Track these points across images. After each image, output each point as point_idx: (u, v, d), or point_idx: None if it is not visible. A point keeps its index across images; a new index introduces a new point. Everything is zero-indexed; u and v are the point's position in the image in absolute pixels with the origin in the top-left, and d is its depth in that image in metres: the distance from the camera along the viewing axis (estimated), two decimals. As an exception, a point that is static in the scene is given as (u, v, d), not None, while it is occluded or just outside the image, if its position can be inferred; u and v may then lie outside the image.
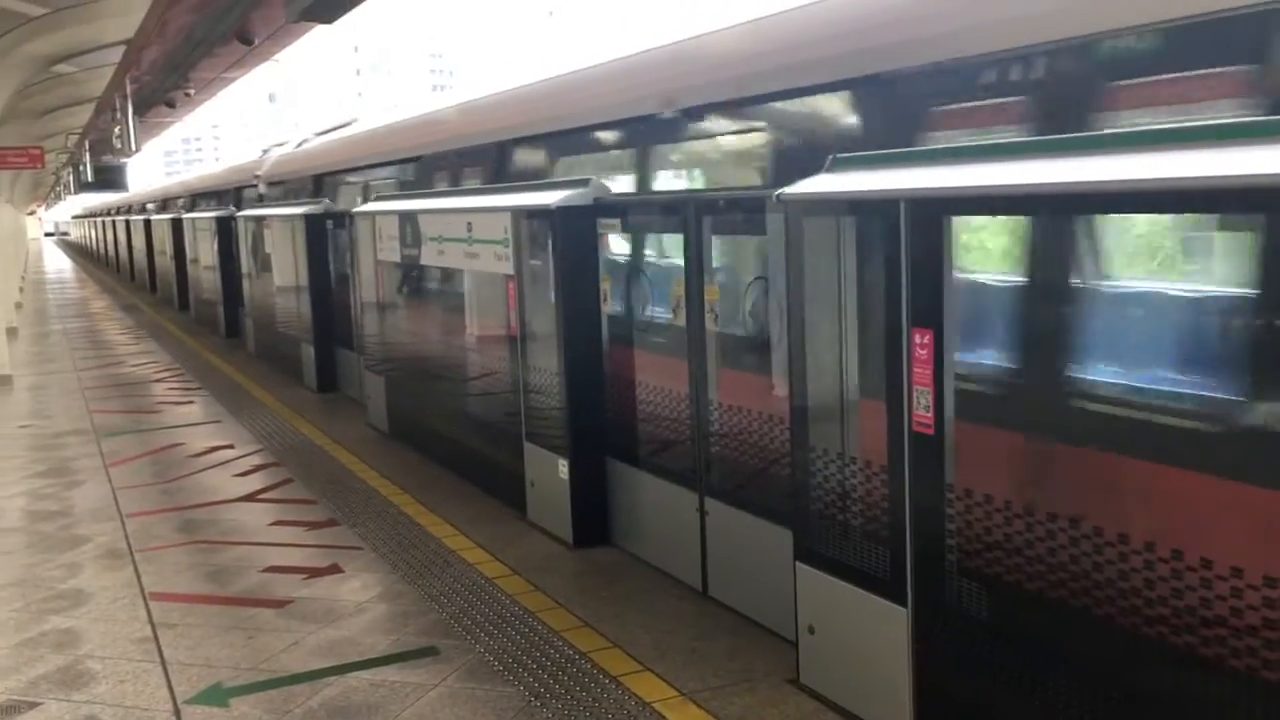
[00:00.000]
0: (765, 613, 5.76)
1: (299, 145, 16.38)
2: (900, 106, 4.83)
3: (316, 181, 14.48)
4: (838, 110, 5.33)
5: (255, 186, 17.73)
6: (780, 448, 5.54)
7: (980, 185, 3.87)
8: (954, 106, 4.56)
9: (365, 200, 11.97)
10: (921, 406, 4.19)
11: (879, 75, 4.85)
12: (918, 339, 4.18)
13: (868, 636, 4.62)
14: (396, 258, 10.35)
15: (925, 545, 4.28)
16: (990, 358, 4.37)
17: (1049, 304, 4.07)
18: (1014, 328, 4.36)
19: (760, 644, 5.61)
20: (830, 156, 4.80)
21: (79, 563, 7.39)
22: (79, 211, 49.95)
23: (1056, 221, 3.96)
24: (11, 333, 19.95)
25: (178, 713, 5.09)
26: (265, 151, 18.64)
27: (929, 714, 4.37)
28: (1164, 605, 3.50)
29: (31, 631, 6.20)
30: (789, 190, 4.79)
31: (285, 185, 16.19)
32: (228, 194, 20.61)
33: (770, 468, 5.73)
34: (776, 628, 5.62)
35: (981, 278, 4.35)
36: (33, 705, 5.26)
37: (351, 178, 13.29)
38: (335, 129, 14.97)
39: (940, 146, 4.43)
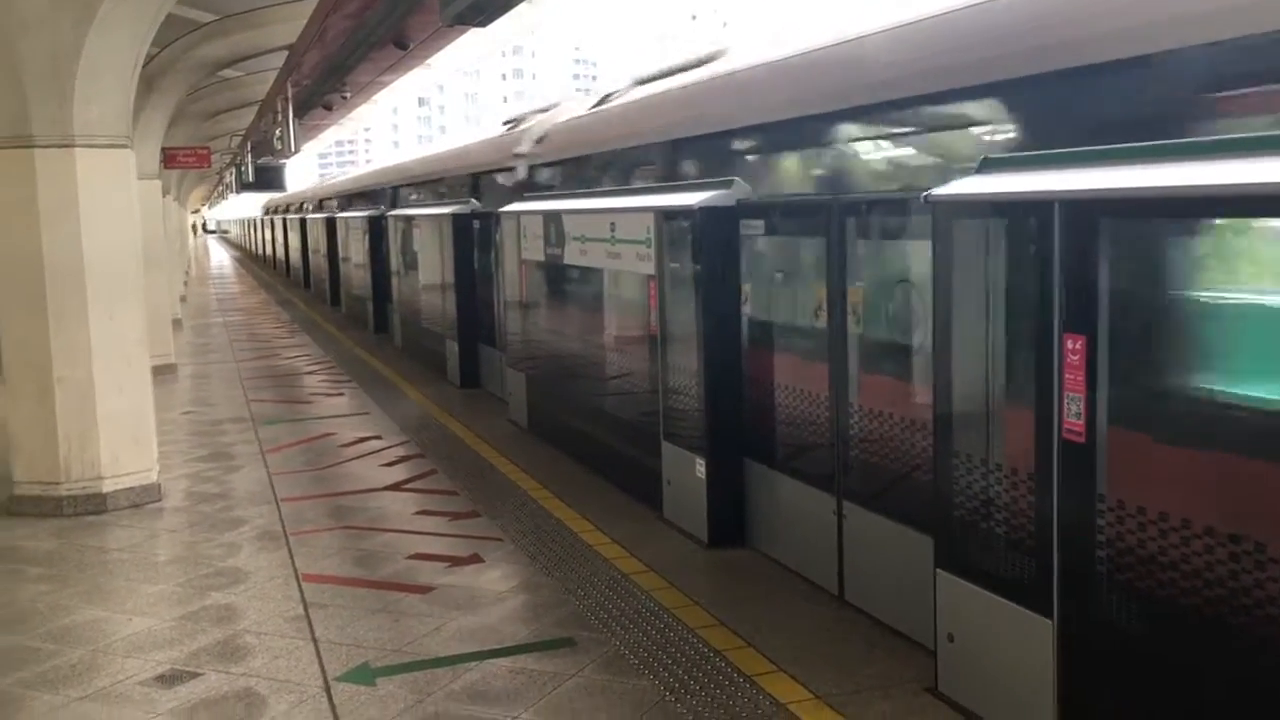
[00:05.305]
0: (902, 619, 5.70)
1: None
2: (1054, 109, 4.72)
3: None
4: (989, 112, 5.23)
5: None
6: (921, 453, 5.47)
7: (1139, 187, 3.76)
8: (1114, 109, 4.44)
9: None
10: (1072, 414, 4.09)
11: (1033, 77, 4.75)
12: (1070, 345, 4.08)
13: (1010, 647, 4.52)
14: (540, 257, 10.55)
15: (1073, 556, 4.17)
16: (1148, 367, 4.23)
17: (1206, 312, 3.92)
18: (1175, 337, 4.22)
19: (896, 650, 5.55)
20: (981, 157, 4.72)
21: (237, 543, 7.76)
22: (265, 207, 51.12)
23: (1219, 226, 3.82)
24: (176, 324, 21.01)
25: (328, 689, 5.31)
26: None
27: (1073, 730, 4.26)
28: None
29: (194, 606, 6.54)
30: (938, 191, 4.73)
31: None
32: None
33: (911, 473, 5.66)
34: (914, 634, 5.55)
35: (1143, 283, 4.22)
36: (194, 675, 5.54)
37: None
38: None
39: (1096, 148, 4.31)
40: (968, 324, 4.78)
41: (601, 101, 10.41)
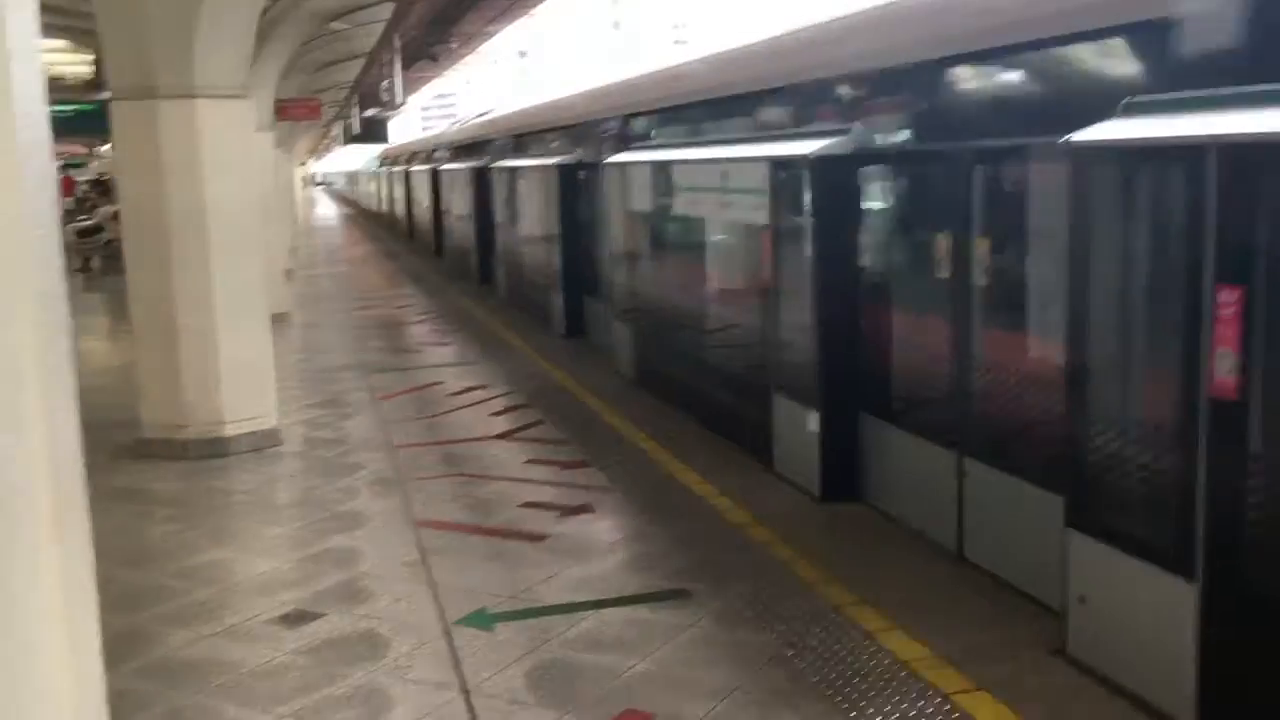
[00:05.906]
0: (1026, 579, 5.55)
1: None
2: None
3: None
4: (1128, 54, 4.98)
5: None
6: (1050, 410, 5.29)
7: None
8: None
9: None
10: (1224, 370, 3.90)
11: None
12: (1223, 297, 3.88)
13: (1148, 611, 4.36)
14: (648, 208, 10.47)
15: (1220, 518, 3.99)
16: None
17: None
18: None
19: (1019, 611, 5.41)
20: (1123, 101, 4.50)
21: (354, 488, 7.91)
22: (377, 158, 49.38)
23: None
24: (288, 274, 21.44)
25: (448, 632, 5.38)
26: None
27: (1215, 696, 4.10)
28: None
29: (315, 548, 6.68)
30: (1078, 137, 4.53)
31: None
32: None
33: (1037, 430, 5.49)
34: (1038, 595, 5.40)
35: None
36: (317, 616, 5.67)
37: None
38: None
39: (1254, 89, 4.07)
40: (1107, 276, 4.58)
41: None
